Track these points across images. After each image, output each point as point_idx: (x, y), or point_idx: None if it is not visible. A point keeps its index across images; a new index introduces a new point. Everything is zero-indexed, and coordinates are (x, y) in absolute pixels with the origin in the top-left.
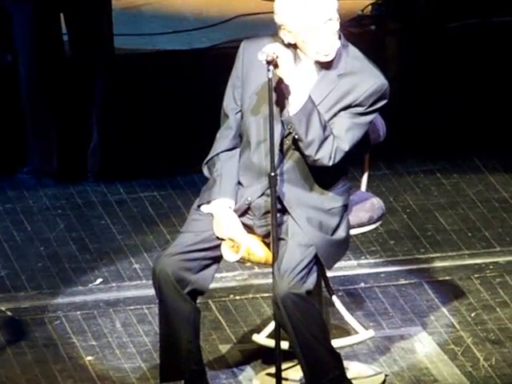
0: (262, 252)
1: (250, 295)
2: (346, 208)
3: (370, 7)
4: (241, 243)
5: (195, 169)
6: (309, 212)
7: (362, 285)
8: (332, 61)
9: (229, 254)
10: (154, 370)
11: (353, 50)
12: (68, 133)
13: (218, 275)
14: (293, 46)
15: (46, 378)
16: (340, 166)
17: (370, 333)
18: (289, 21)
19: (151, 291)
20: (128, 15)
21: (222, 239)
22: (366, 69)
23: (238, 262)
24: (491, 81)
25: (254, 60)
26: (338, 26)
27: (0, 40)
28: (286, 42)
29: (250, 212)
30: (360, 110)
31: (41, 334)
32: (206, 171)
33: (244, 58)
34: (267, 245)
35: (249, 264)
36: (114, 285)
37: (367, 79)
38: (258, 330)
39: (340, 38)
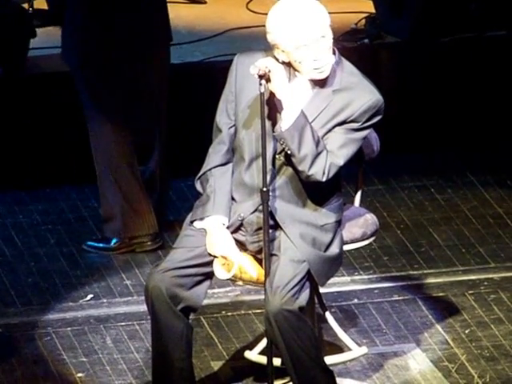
0: (254, 271)
1: (242, 311)
2: (339, 224)
3: (363, 21)
4: (233, 261)
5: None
6: (302, 228)
7: (356, 301)
8: (327, 77)
9: (221, 272)
10: None
11: (347, 65)
12: None
13: (209, 291)
14: (287, 64)
15: None
16: (333, 181)
17: (363, 350)
18: (281, 40)
19: (142, 307)
20: None
21: (215, 256)
22: (360, 85)
23: (229, 280)
24: (486, 95)
25: (247, 74)
26: (331, 43)
27: None
28: (280, 60)
29: (242, 228)
30: (355, 125)
31: (31, 350)
32: (198, 186)
33: (237, 73)
34: (259, 261)
35: (240, 283)
36: (104, 301)
37: (362, 95)
38: (251, 347)
39: (334, 53)
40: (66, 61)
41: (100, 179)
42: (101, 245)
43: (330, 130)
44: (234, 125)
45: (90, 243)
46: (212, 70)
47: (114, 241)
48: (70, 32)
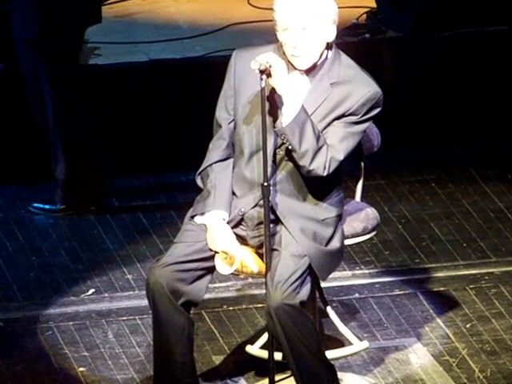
0: (255, 266)
1: (244, 306)
2: (340, 218)
3: (364, 16)
4: (234, 256)
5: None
6: (302, 222)
7: (357, 295)
8: (325, 70)
9: (222, 267)
10: (146, 382)
11: (345, 58)
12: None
13: (211, 285)
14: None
15: None
16: (334, 175)
17: (365, 344)
18: (276, 18)
19: (144, 302)
20: (121, 23)
21: (216, 252)
22: (358, 77)
23: (231, 274)
24: (487, 90)
25: (247, 69)
26: (318, 37)
27: None
28: (279, 42)
29: (243, 223)
30: (354, 118)
31: (32, 344)
32: (199, 181)
33: (236, 68)
34: (260, 256)
35: (242, 276)
36: (106, 295)
37: (360, 88)
38: (252, 341)
39: (331, 48)
40: (19, 36)
41: (53, 148)
42: (47, 207)
43: (329, 124)
44: (233, 120)
45: (36, 205)
46: (213, 65)
47: (59, 205)
48: (23, 5)
